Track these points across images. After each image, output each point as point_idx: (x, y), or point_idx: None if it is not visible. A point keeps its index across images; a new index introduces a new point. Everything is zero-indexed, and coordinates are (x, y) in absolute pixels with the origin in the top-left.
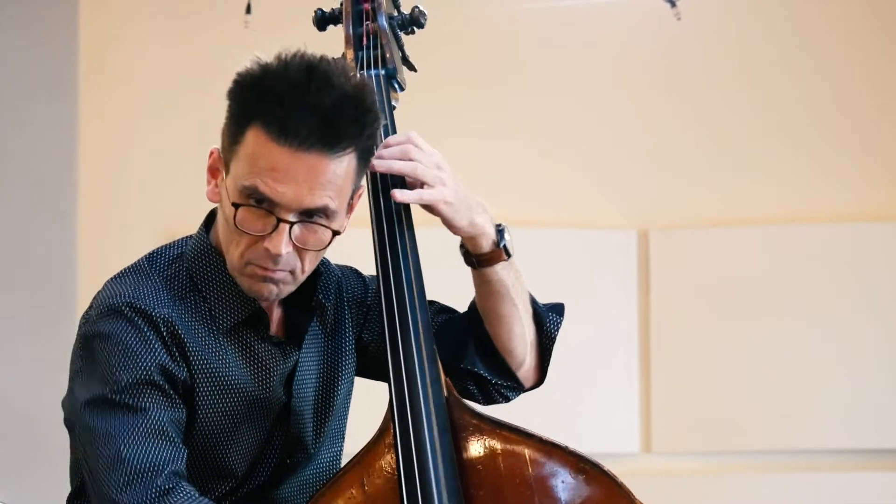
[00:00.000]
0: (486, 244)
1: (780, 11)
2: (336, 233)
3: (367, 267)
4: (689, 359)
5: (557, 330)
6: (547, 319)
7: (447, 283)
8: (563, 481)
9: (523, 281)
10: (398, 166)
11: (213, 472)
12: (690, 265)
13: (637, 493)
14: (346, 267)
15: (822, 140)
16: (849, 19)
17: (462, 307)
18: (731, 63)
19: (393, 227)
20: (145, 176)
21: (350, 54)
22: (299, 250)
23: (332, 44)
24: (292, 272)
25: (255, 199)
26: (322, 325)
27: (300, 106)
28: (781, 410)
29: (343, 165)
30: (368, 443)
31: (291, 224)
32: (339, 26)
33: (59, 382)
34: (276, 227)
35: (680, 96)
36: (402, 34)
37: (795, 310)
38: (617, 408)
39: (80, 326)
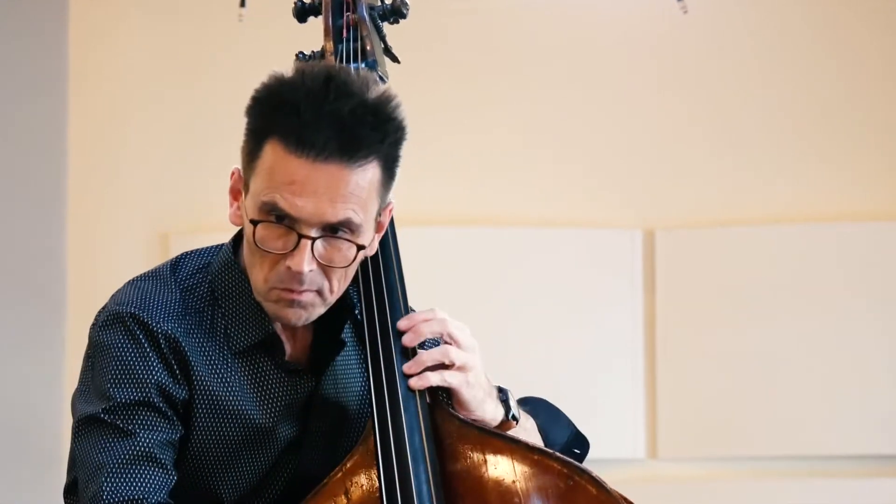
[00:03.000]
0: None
1: (789, 5)
2: (361, 247)
3: None
4: (696, 362)
5: None
6: None
7: (438, 283)
8: (551, 489)
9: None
10: (438, 356)
11: (199, 498)
12: (697, 266)
13: (643, 500)
14: None
15: (833, 138)
16: (861, 15)
17: (451, 307)
18: (739, 59)
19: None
20: (136, 174)
21: (329, 46)
22: (325, 269)
23: (320, 36)
24: (320, 293)
25: (275, 216)
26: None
27: (317, 115)
28: (791, 415)
29: (366, 176)
30: (352, 450)
31: (313, 240)
32: (320, 18)
33: (47, 384)
34: (297, 244)
35: (686, 93)
36: (384, 24)
37: (806, 311)
38: (622, 412)
39: (91, 326)
